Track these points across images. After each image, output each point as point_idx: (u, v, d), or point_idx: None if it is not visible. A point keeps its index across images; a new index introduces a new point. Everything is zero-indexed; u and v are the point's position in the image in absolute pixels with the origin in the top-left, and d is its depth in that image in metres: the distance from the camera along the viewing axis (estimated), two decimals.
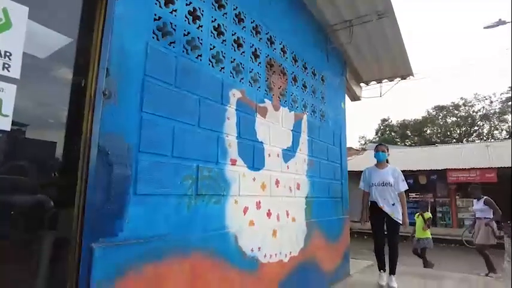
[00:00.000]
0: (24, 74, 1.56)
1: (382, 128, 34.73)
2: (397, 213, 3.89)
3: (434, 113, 31.78)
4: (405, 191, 4.04)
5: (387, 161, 4.22)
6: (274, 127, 3.25)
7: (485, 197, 6.17)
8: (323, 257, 3.86)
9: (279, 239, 3.08)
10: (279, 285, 3.00)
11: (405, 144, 29.34)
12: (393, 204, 3.91)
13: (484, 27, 11.88)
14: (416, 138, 32.31)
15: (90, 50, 1.80)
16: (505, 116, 28.31)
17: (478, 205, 6.27)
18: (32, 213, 1.69)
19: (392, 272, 3.93)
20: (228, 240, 2.47)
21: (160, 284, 1.93)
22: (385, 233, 4.09)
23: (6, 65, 1.53)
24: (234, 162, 2.64)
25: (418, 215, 7.01)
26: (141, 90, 1.96)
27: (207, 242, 2.28)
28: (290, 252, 3.23)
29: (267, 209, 3.00)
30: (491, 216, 6.05)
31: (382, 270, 4.05)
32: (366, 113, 54.78)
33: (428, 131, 32.45)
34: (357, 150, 21.60)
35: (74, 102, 1.77)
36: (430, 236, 6.78)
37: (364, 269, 5.27)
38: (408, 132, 33.19)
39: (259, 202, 2.90)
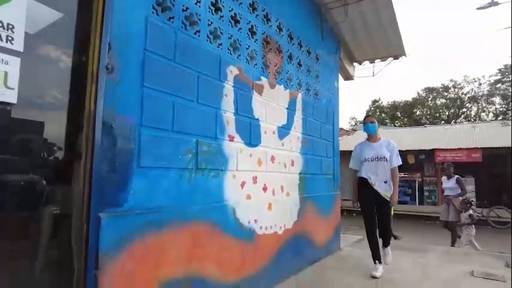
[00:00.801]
0: (26, 49, 1.57)
1: (372, 109, 34.97)
2: (389, 192, 3.52)
3: (424, 94, 32.09)
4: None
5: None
6: (270, 105, 3.30)
7: (456, 176, 6.31)
8: (315, 231, 4.03)
9: (274, 213, 3.21)
10: (274, 256, 3.15)
11: (395, 125, 29.71)
12: (386, 182, 3.51)
13: (477, 8, 11.91)
14: (406, 119, 32.70)
15: (92, 25, 1.81)
16: (492, 98, 28.80)
17: (449, 183, 6.37)
18: (39, 188, 1.75)
19: (385, 244, 3.69)
20: (226, 212, 2.58)
21: (163, 252, 2.03)
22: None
23: (10, 38, 1.54)
24: (231, 139, 2.71)
25: None
26: (142, 65, 1.99)
27: (207, 214, 2.38)
28: (284, 225, 3.37)
29: (263, 183, 3.10)
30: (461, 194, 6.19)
31: (377, 261, 3.58)
32: (356, 94, 54.95)
33: (418, 113, 32.85)
34: (347, 130, 21.84)
35: (78, 77, 1.79)
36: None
37: (353, 243, 5.51)
38: (398, 113, 33.54)
39: (256, 177, 3.00)
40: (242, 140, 2.84)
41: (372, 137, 3.72)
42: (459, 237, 6.14)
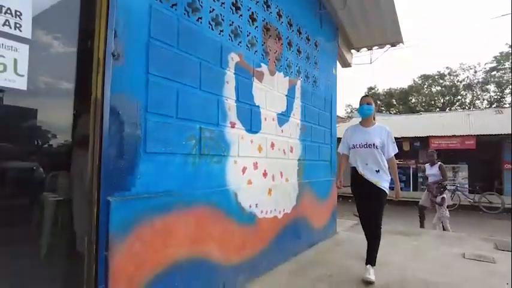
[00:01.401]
0: (33, 36, 1.59)
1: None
2: (383, 181, 3.05)
3: (420, 82, 32.16)
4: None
5: (374, 119, 3.32)
6: (270, 92, 3.34)
7: (439, 163, 6.44)
8: (313, 215, 4.13)
9: (274, 197, 3.29)
10: (274, 239, 3.25)
11: (390, 113, 29.85)
12: (377, 171, 3.06)
13: None
14: (401, 106, 32.84)
15: (97, 12, 1.82)
16: (487, 86, 28.96)
17: (432, 170, 6.49)
18: (50, 174, 1.80)
19: (370, 261, 3.06)
20: (229, 196, 2.65)
21: (169, 234, 2.10)
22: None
23: (18, 25, 1.56)
24: (233, 125, 2.76)
25: None
26: (147, 52, 2.01)
27: (210, 198, 2.45)
28: (283, 209, 3.47)
29: (263, 169, 3.17)
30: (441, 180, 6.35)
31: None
32: (352, 81, 54.83)
33: (413, 100, 32.98)
34: (342, 118, 21.94)
35: (85, 64, 1.82)
36: None
37: (349, 227, 5.66)
38: (394, 100, 33.65)
39: (256, 163, 3.06)
40: (243, 127, 2.90)
41: (365, 121, 3.26)
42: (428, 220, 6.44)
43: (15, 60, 1.54)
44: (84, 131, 1.79)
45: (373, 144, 3.08)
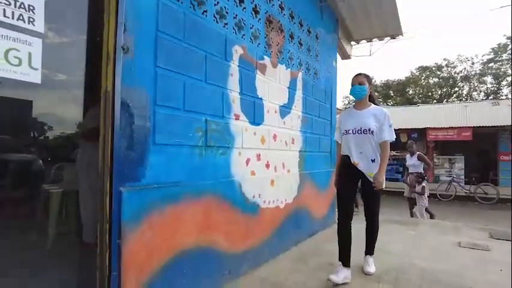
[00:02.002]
0: (46, 29, 1.63)
1: None
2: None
3: (417, 73, 32.17)
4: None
5: (371, 100, 2.91)
6: (273, 84, 3.39)
7: (418, 153, 6.58)
8: (313, 205, 4.22)
9: (276, 188, 3.36)
10: (276, 228, 3.33)
11: (387, 104, 29.93)
12: (373, 161, 2.71)
13: None
14: (398, 98, 32.90)
15: (106, 5, 1.85)
16: (484, 78, 29.04)
17: (411, 160, 6.64)
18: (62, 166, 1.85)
19: (369, 251, 2.98)
20: (233, 187, 2.72)
21: (178, 223, 2.17)
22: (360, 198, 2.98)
23: (31, 19, 1.59)
24: (237, 117, 2.81)
25: None
26: (155, 46, 2.04)
27: (216, 188, 2.52)
28: (285, 200, 3.55)
29: (266, 161, 3.23)
30: (422, 171, 6.48)
31: (341, 262, 2.73)
32: (350, 73, 54.62)
33: (411, 92, 33.04)
34: (341, 110, 21.96)
35: (95, 57, 1.85)
36: None
37: None
38: (391, 92, 33.69)
39: (259, 155, 3.13)
40: (247, 119, 2.95)
41: (359, 103, 2.87)
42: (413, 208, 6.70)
43: (30, 54, 1.57)
44: (96, 124, 1.84)
45: (369, 130, 2.71)
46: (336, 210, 4.65)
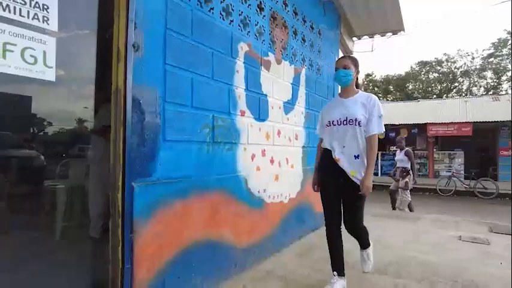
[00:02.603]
0: (59, 28, 1.66)
1: (365, 83, 35.02)
2: (360, 174, 2.29)
3: (417, 68, 32.14)
4: (384, 142, 2.48)
5: (358, 87, 2.49)
6: (277, 80, 3.42)
7: (406, 149, 6.66)
8: (316, 200, 4.26)
9: (280, 183, 3.42)
10: (280, 222, 3.39)
11: (387, 100, 29.93)
12: (357, 157, 2.31)
13: None
14: (398, 93, 32.91)
15: (116, 3, 1.88)
16: (484, 73, 29.04)
17: (399, 156, 6.73)
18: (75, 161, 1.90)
19: (361, 244, 2.66)
20: (239, 182, 2.77)
21: (187, 217, 2.22)
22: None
23: (45, 18, 1.63)
24: (243, 114, 2.85)
25: None
26: (164, 43, 2.08)
27: (223, 183, 2.56)
28: (289, 194, 3.60)
29: (270, 156, 3.28)
30: (408, 166, 6.56)
31: (335, 272, 2.44)
32: None
33: (410, 87, 33.04)
34: None
35: (106, 55, 1.89)
36: None
37: None
38: (391, 87, 33.69)
39: (264, 150, 3.17)
40: (252, 115, 2.99)
41: (344, 90, 2.46)
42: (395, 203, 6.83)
43: (44, 53, 1.61)
44: (108, 120, 1.88)
45: (355, 120, 2.30)
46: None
